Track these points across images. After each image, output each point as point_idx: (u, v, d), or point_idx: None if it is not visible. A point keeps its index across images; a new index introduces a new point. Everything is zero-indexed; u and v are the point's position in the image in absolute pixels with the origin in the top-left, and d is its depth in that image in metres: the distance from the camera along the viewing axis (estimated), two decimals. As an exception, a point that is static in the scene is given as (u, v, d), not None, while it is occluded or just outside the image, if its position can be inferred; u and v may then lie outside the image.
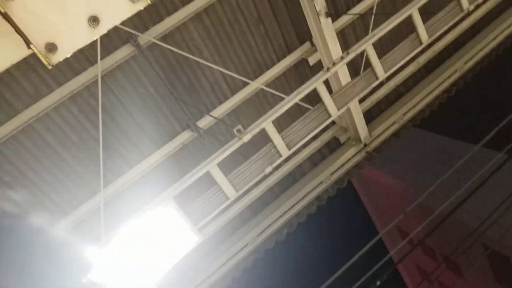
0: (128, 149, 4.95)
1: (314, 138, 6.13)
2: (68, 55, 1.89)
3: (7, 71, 4.08)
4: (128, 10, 1.91)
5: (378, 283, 6.49)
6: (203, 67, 4.97)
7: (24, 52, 2.04)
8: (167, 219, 3.14)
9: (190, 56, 4.66)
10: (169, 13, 4.57)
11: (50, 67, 1.88)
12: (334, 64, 3.33)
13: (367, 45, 3.41)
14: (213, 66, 4.79)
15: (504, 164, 8.45)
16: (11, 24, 1.79)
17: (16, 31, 1.80)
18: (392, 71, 3.56)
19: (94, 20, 1.85)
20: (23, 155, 4.35)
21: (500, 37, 6.87)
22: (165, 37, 4.62)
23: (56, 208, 4.71)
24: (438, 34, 3.57)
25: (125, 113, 4.75)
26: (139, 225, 3.13)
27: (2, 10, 1.74)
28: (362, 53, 3.83)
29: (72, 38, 1.86)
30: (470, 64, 6.71)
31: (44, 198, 4.61)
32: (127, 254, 3.37)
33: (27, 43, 1.81)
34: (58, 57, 1.87)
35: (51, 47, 1.82)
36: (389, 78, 6.30)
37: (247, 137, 3.19)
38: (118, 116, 4.73)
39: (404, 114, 6.51)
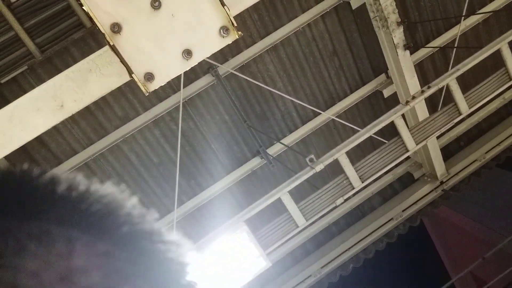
0: (202, 173, 5.18)
1: (386, 172, 5.92)
2: (163, 84, 2.09)
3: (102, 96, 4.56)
4: (218, 44, 2.07)
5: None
6: (276, 97, 5.11)
7: (125, 79, 2.28)
8: (237, 243, 3.20)
9: (264, 86, 4.83)
10: (247, 46, 4.82)
11: (147, 94, 2.08)
12: (414, 97, 3.25)
13: (450, 79, 3.28)
14: (285, 96, 4.91)
15: None
16: (117, 55, 2.02)
17: (121, 61, 2.03)
18: (477, 106, 3.37)
19: (188, 53, 2.03)
20: (108, 172, 4.75)
21: None
22: (242, 68, 4.85)
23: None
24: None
25: (201, 138, 5.00)
26: (210, 246, 3.22)
27: (111, 43, 1.99)
28: (441, 88, 3.69)
29: (167, 68, 2.05)
30: None
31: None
32: (195, 277, 3.46)
33: (130, 72, 2.02)
34: (154, 85, 2.06)
35: (149, 76, 2.02)
36: (470, 114, 5.93)
37: (319, 167, 3.19)
38: (195, 141, 4.99)
39: (486, 152, 6.05)
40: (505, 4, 5.66)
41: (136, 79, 1.99)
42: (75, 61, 2.41)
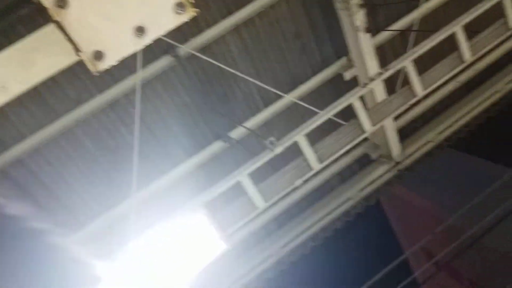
0: (161, 157, 5.05)
1: (345, 153, 6.05)
2: (114, 63, 1.97)
3: (52, 77, 4.28)
4: (173, 21, 1.97)
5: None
6: (238, 80, 5.03)
7: (72, 59, 2.14)
8: (196, 225, 3.17)
9: (227, 68, 4.73)
10: (208, 26, 4.67)
11: (96, 74, 1.96)
12: (372, 79, 3.29)
13: (407, 62, 3.35)
14: (248, 78, 4.84)
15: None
16: (63, 32, 1.88)
17: (67, 38, 1.89)
18: (431, 89, 3.48)
19: (140, 30, 1.92)
20: (62, 158, 4.52)
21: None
22: (203, 49, 4.72)
23: (88, 210, 4.85)
24: (482, 53, 3.46)
25: (160, 121, 4.86)
26: (168, 230, 3.17)
27: (56, 19, 1.84)
28: (399, 70, 3.76)
29: (119, 47, 1.94)
30: (512, 85, 6.46)
31: (78, 199, 4.76)
32: (154, 259, 3.42)
33: (77, 50, 1.89)
34: (104, 65, 1.94)
35: (99, 55, 1.90)
36: (426, 96, 6.14)
37: (279, 149, 3.19)
38: (154, 124, 4.85)
39: (439, 133, 6.32)
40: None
41: (84, 58, 1.87)
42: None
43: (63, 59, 2.13)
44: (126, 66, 4.48)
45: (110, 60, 1.92)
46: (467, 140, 6.86)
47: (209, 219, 3.05)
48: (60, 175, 4.57)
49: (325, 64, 5.46)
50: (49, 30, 2.15)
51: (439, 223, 10.86)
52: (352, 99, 3.27)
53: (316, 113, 4.83)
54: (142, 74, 4.46)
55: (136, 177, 4.52)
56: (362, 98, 3.47)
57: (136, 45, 1.96)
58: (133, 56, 4.39)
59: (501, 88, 6.41)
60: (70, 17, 1.81)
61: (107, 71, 4.48)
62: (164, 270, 3.50)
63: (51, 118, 4.36)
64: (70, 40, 1.83)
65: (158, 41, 4.54)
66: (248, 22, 4.81)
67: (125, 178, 4.91)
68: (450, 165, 11.32)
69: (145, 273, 3.57)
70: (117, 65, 4.43)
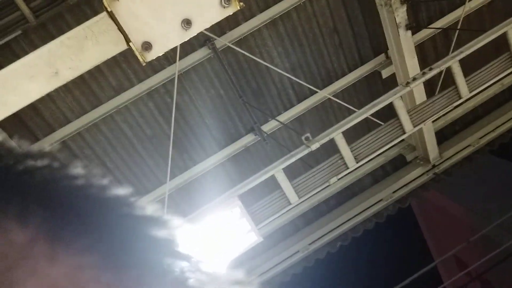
0: (195, 147, 5.15)
1: (379, 153, 5.95)
2: (161, 54, 2.03)
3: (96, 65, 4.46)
4: (218, 15, 2.00)
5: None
6: (272, 73, 5.04)
7: (122, 48, 2.21)
8: (230, 217, 3.22)
9: (262, 61, 4.75)
10: (245, 19, 4.70)
11: (144, 64, 2.02)
12: (414, 79, 3.21)
13: (453, 62, 3.24)
14: (282, 73, 4.84)
15: None
16: (114, 22, 1.95)
17: (118, 28, 1.96)
18: (477, 91, 3.35)
19: (187, 23, 1.96)
20: (101, 142, 4.70)
21: None
22: (239, 42, 4.75)
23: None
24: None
25: (195, 112, 4.95)
26: (203, 219, 3.24)
27: (108, 9, 1.91)
28: (440, 72, 3.64)
29: (166, 38, 1.99)
30: None
31: (115, 184, 4.93)
32: (185, 248, 3.51)
33: (127, 40, 1.96)
34: (152, 55, 2.00)
35: (147, 46, 1.96)
36: (467, 98, 5.93)
37: (315, 146, 3.18)
38: (189, 115, 4.94)
39: (480, 138, 6.09)
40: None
41: (133, 48, 1.93)
42: (70, 28, 2.32)
43: (113, 48, 2.21)
44: (165, 56, 4.59)
45: (157, 51, 1.98)
46: (510, 146, 6.57)
47: (242, 211, 3.09)
48: (99, 159, 4.76)
49: (362, 61, 5.37)
50: (100, 19, 2.24)
51: (472, 231, 10.47)
52: (393, 97, 3.21)
53: (349, 110, 4.78)
54: (180, 65, 4.56)
55: (170, 166, 4.66)
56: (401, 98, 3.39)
57: (182, 37, 2.01)
58: (173, 48, 4.51)
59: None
60: (122, 8, 1.88)
61: (149, 61, 4.62)
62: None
63: (94, 104, 4.53)
64: (121, 30, 1.89)
65: (196, 34, 4.62)
66: (284, 16, 4.79)
67: (160, 165, 5.07)
68: (490, 171, 10.87)
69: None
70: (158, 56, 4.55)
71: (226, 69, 4.75)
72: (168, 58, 4.60)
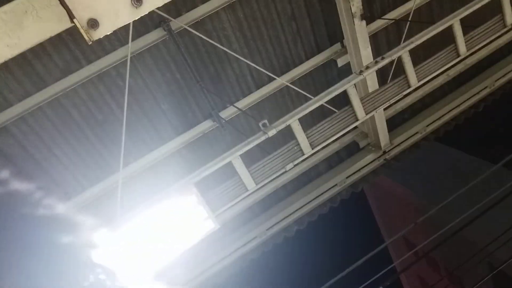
0: (149, 133, 4.99)
1: (334, 140, 6.09)
2: (109, 32, 1.91)
3: (41, 44, 4.15)
4: (172, -7, 1.91)
5: (380, 288, 6.48)
6: (231, 59, 4.97)
7: (65, 25, 2.06)
8: (186, 204, 3.16)
9: (220, 46, 4.66)
10: (203, 1, 4.57)
11: (90, 43, 1.89)
12: (367, 67, 3.28)
13: (403, 51, 3.35)
14: (241, 58, 4.78)
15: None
16: (57, -3, 1.80)
17: (61, 3, 1.82)
18: (425, 80, 3.49)
19: (137, 0, 1.85)
20: (48, 128, 4.42)
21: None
22: (196, 25, 4.62)
23: (75, 183, 4.79)
24: (477, 47, 3.48)
25: (150, 96, 4.79)
26: (157, 208, 3.16)
27: (50, -18, 1.76)
28: (392, 61, 3.75)
29: (115, 16, 1.87)
30: (502, 81, 6.53)
31: (63, 170, 4.69)
32: (141, 235, 3.42)
33: (71, 17, 1.82)
34: (99, 34, 1.88)
35: (93, 23, 1.84)
36: (416, 88, 6.18)
37: (272, 132, 3.18)
38: (143, 99, 4.77)
39: (427, 126, 6.40)
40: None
41: (78, 25, 1.80)
42: (9, 0, 2.13)
43: (55, 25, 2.05)
44: (117, 37, 4.37)
45: (105, 30, 1.86)
46: (454, 134, 6.97)
47: (199, 199, 3.05)
48: (45, 145, 4.49)
49: (319, 49, 5.43)
50: (41, -7, 2.06)
51: (420, 213, 11.11)
52: (347, 85, 3.27)
53: (306, 97, 4.82)
54: (133, 46, 4.36)
55: (124, 153, 4.49)
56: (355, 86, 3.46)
57: (132, 15, 1.90)
58: (125, 28, 4.31)
59: (490, 84, 6.49)
60: (65, -19, 1.74)
61: (98, 41, 4.39)
62: (150, 247, 3.51)
63: (39, 86, 4.24)
64: (64, 5, 1.76)
65: (150, 14, 4.45)
66: (243, 0, 4.72)
67: (113, 152, 4.87)
68: (435, 158, 11.54)
69: (130, 251, 3.57)
70: (108, 35, 4.35)
71: (182, 52, 4.60)
72: (120, 38, 4.39)
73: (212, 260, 5.81)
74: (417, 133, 6.35)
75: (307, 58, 5.41)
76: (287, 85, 5.24)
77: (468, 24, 4.06)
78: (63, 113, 4.44)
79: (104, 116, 4.65)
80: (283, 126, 3.24)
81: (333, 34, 5.42)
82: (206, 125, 5.21)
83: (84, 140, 4.67)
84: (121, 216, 3.22)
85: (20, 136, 4.34)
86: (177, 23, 4.44)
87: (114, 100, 4.62)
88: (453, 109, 6.44)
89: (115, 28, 1.87)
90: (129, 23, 4.16)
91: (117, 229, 3.17)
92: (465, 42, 3.56)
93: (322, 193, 6.16)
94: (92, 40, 1.85)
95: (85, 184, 4.84)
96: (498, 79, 6.56)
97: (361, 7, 4.50)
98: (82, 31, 1.82)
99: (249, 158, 4.81)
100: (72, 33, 4.08)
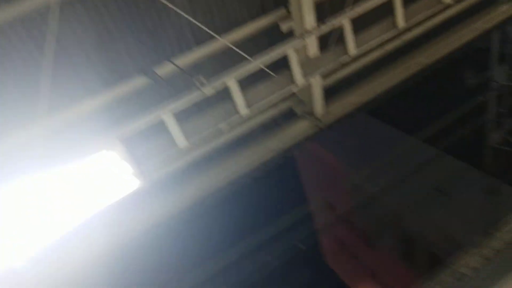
0: (76, 84, 4.60)
1: (271, 106, 6.12)
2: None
3: None
4: None
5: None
6: (170, 12, 4.65)
7: None
8: (110, 160, 2.99)
9: (160, -2, 4.33)
10: None
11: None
12: (308, 32, 3.26)
13: (345, 20, 3.37)
14: (181, 12, 4.51)
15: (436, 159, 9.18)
16: None
17: None
18: (364, 49, 3.56)
19: None
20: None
21: (470, 35, 7.13)
22: (135, -29, 4.24)
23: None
24: (414, 21, 3.60)
25: (78, 46, 4.38)
26: (78, 162, 2.95)
27: None
28: (332, 29, 3.76)
29: None
30: (434, 59, 6.93)
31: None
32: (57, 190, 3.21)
33: None
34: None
35: None
36: (353, 60, 6.36)
37: (208, 90, 3.06)
38: (70, 48, 4.35)
39: (360, 97, 6.67)
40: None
41: None
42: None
43: None
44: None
45: None
46: (383, 107, 7.37)
47: (122, 154, 2.87)
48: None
49: (264, 10, 5.28)
50: None
51: (344, 180, 11.86)
52: (287, 48, 3.22)
53: (247, 59, 4.73)
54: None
55: (45, 101, 4.09)
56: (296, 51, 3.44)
57: None
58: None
59: (423, 61, 6.86)
60: None
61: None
62: (67, 202, 3.31)
63: None
64: None
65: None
66: (188, -50, 4.40)
67: (33, 101, 4.42)
68: (362, 128, 12.22)
69: (48, 206, 3.36)
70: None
71: (117, 1, 4.22)
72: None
73: (142, 218, 5.67)
74: (350, 103, 6.60)
75: (251, 19, 5.25)
76: (230, 48, 5.08)
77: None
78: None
79: (24, 61, 4.17)
80: (220, 84, 3.13)
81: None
82: (139, 80, 4.90)
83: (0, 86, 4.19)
84: (38, 171, 2.98)
85: None
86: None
87: (36, 47, 4.15)
88: (384, 83, 6.75)
89: None
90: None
91: (33, 184, 2.94)
92: (404, 15, 3.66)
93: (256, 157, 6.24)
94: None
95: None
96: (428, 57, 6.95)
97: (307, -29, 4.41)
98: None
99: (183, 116, 4.62)
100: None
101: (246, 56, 4.83)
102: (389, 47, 6.47)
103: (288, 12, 5.32)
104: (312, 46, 5.10)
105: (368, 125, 12.33)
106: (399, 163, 10.32)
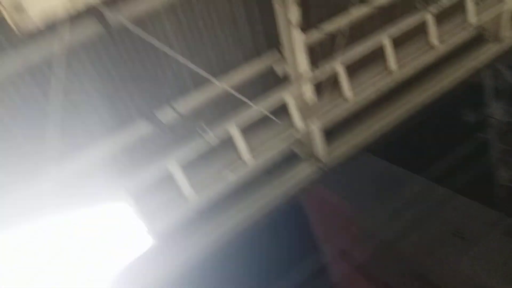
0: (81, 132, 4.76)
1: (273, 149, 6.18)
2: (37, 19, 1.79)
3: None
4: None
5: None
6: (170, 59, 4.91)
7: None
8: (118, 214, 2.94)
9: (159, 45, 4.59)
10: (143, -3, 4.51)
11: (18, 32, 1.76)
12: (303, 76, 3.40)
13: (338, 64, 3.51)
14: (180, 59, 4.75)
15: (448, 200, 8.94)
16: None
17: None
18: (359, 93, 3.68)
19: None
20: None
21: (461, 73, 7.31)
22: (136, 22, 4.53)
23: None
24: (408, 66, 3.74)
25: (83, 93, 4.59)
26: (86, 217, 2.94)
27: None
28: (329, 72, 3.90)
29: (45, 2, 1.76)
30: (430, 96, 7.06)
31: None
32: (68, 247, 3.17)
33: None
34: (26, 19, 1.75)
35: (18, 7, 1.70)
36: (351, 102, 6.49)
37: (211, 138, 3.12)
38: (75, 96, 4.55)
39: (361, 138, 6.73)
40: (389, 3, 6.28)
41: (1, 8, 1.66)
42: None
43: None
44: (50, 28, 4.16)
45: (33, 16, 1.72)
46: (385, 147, 7.39)
47: (132, 208, 2.85)
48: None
49: (258, 54, 5.52)
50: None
51: (355, 225, 11.52)
52: (284, 93, 3.34)
53: (246, 103, 4.88)
54: (67, 38, 4.17)
55: (52, 150, 4.21)
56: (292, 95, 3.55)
57: (65, 4, 1.79)
58: (59, 20, 4.11)
59: (420, 100, 6.99)
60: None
61: (29, 32, 4.13)
62: (78, 260, 3.25)
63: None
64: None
65: (88, 7, 4.29)
66: (184, 1, 4.73)
67: (40, 151, 4.55)
68: (368, 169, 12.11)
69: (57, 263, 3.31)
70: (41, 27, 4.10)
71: (119, 48, 4.48)
72: (53, 30, 4.17)
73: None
74: (352, 145, 6.64)
75: (246, 62, 5.48)
76: (227, 91, 5.27)
77: (397, 43, 4.37)
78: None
79: (31, 111, 4.36)
80: (223, 133, 3.20)
81: (271, 40, 5.53)
82: (141, 125, 5.05)
83: (8, 137, 4.34)
84: (45, 224, 2.99)
85: None
86: (115, 17, 4.33)
87: (42, 94, 4.36)
88: (383, 123, 6.83)
89: (43, 15, 1.76)
90: (63, 13, 3.99)
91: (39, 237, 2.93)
92: (395, 60, 3.80)
93: (260, 203, 6.19)
94: (19, 26, 1.71)
95: (8, 188, 4.45)
96: (427, 95, 7.08)
97: (299, 17, 4.68)
98: (6, 14, 1.67)
99: (189, 165, 4.69)
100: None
101: (247, 100, 4.98)
102: (383, 87, 6.63)
103: (281, 54, 5.56)
104: (308, 91, 5.27)
105: (374, 165, 12.23)
106: (411, 205, 10.08)
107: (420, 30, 4.56)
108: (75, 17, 4.20)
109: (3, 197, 4.45)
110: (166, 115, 5.16)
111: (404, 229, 9.51)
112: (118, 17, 4.30)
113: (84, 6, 4.16)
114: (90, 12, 4.25)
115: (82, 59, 4.43)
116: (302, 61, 5.10)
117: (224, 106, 5.65)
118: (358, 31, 6.17)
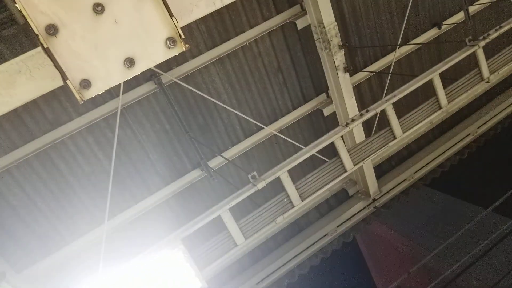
0: (137, 184, 4.94)
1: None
2: (100, 92, 1.95)
3: (31, 97, 4.19)
4: (163, 55, 1.98)
5: None
6: (220, 109, 5.06)
7: (57, 84, 2.10)
8: (172, 262, 3.06)
9: (209, 97, 4.76)
10: (193, 56, 4.73)
11: (81, 102, 1.92)
12: (353, 120, 3.38)
13: (387, 105, 3.47)
14: (229, 108, 4.88)
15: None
16: (50, 59, 1.85)
17: (54, 65, 1.86)
18: (409, 132, 3.59)
19: (130, 62, 1.91)
20: (33, 180, 4.35)
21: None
22: (186, 78, 4.75)
23: (58, 237, 4.64)
24: (458, 100, 3.63)
25: (139, 147, 4.79)
26: (140, 264, 3.05)
27: (45, 45, 1.82)
28: (376, 113, 3.87)
29: (107, 76, 1.92)
30: (484, 128, 6.75)
31: (47, 225, 4.55)
32: None
33: (64, 78, 1.86)
34: (90, 93, 1.92)
35: (86, 84, 1.88)
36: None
37: (261, 184, 3.17)
38: (132, 150, 4.77)
39: (415, 172, 6.48)
40: (434, 37, 6.18)
41: (70, 86, 1.84)
42: (5, 60, 2.18)
43: (47, 84, 2.10)
44: (108, 90, 4.44)
45: (97, 90, 1.90)
46: (442, 179, 7.05)
47: (186, 256, 2.96)
48: (30, 198, 4.39)
49: (305, 99, 5.58)
50: (35, 54, 2.12)
51: (413, 261, 10.94)
52: (334, 137, 3.34)
53: (294, 146, 4.88)
54: (123, 99, 4.43)
55: (110, 204, 4.40)
56: (342, 137, 3.54)
57: (124, 75, 1.95)
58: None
59: (473, 131, 6.68)
60: (60, 44, 1.79)
61: (89, 95, 4.40)
62: None
63: (26, 138, 4.22)
64: (57, 67, 1.80)
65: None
66: (231, 55, 4.90)
67: (99, 205, 4.77)
68: (425, 203, 11.56)
69: None
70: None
71: (172, 104, 4.69)
72: (111, 91, 4.46)
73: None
74: (405, 180, 6.41)
75: (294, 108, 5.55)
76: (275, 134, 5.32)
77: (447, 77, 4.25)
78: (49, 165, 4.39)
79: (91, 167, 4.61)
80: (272, 178, 3.25)
81: (318, 85, 5.60)
82: (194, 174, 5.19)
83: (70, 191, 4.59)
84: (103, 271, 3.10)
85: (4, 189, 4.25)
86: (167, 77, 4.56)
87: (102, 151, 4.61)
88: (438, 156, 6.56)
89: (107, 88, 1.92)
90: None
91: (98, 285, 3.04)
92: (446, 95, 3.71)
93: (312, 244, 6.04)
94: (84, 99, 1.88)
95: (68, 239, 4.69)
96: (480, 126, 6.77)
97: (344, 60, 4.70)
98: (74, 91, 1.85)
99: (239, 209, 4.76)
100: (63, 86, 4.14)
101: (294, 142, 5.00)
102: (435, 120, 6.41)
103: (329, 97, 5.57)
104: (357, 130, 5.21)
105: (433, 199, 11.69)
106: (475, 237, 9.46)
107: (471, 61, 4.40)
108: (131, 78, 4.47)
109: (63, 248, 4.66)
110: (217, 161, 5.26)
111: (468, 263, 8.90)
112: (170, 76, 4.51)
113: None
114: (145, 73, 4.50)
115: (137, 115, 4.66)
116: (350, 102, 5.07)
117: (274, 149, 5.69)
118: (406, 67, 6.11)
